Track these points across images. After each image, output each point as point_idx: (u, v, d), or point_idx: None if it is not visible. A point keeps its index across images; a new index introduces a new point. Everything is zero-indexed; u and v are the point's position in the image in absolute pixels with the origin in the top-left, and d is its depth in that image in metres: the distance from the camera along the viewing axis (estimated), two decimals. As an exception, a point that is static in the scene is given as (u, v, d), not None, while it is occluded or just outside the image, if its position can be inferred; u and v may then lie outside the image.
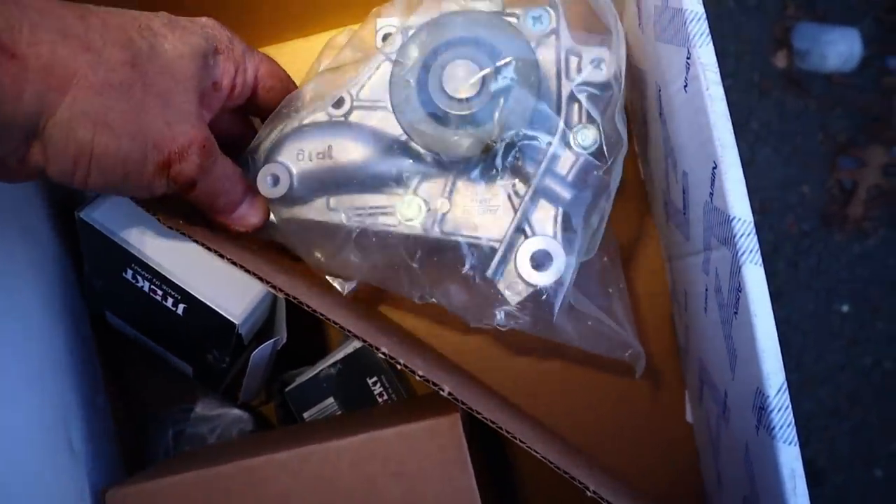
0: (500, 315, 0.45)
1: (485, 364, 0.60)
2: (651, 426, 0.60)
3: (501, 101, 0.42)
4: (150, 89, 0.37)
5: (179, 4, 0.55)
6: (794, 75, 1.04)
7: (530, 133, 0.44)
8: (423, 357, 0.46)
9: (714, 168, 0.38)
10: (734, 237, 0.37)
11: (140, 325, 0.56)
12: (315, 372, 0.57)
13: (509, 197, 0.45)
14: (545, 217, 0.45)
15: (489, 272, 0.45)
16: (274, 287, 0.43)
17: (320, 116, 0.47)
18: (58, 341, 0.52)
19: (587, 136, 0.44)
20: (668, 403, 0.60)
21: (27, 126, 0.33)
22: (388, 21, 0.48)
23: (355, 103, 0.47)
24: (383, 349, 0.41)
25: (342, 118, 0.47)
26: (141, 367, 0.62)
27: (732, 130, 0.38)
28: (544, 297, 0.44)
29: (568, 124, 0.45)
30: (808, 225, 1.02)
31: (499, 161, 0.44)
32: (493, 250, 0.45)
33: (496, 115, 0.43)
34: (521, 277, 0.44)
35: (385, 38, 0.48)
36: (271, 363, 0.57)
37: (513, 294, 0.45)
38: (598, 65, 0.45)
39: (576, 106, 0.45)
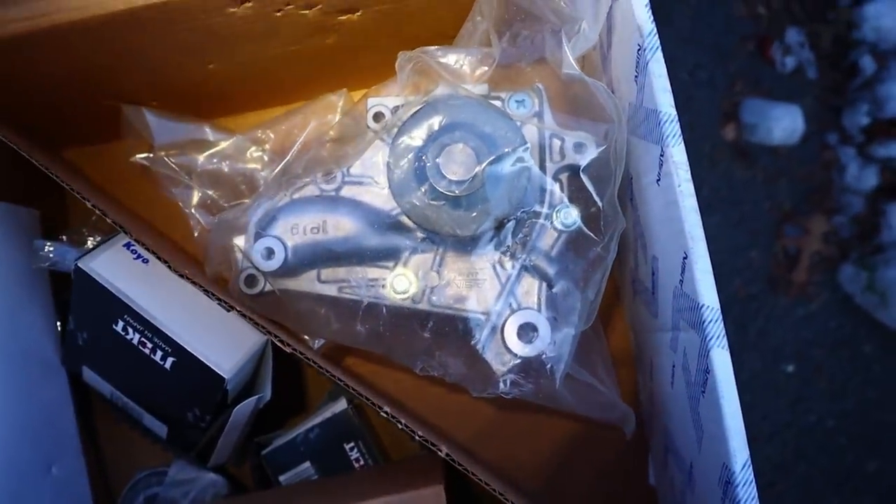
0: (504, 384, 0.47)
1: (440, 407, 0.61)
2: (613, 487, 0.62)
3: (496, 183, 0.45)
4: None
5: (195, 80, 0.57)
6: (742, 147, 1.11)
7: (522, 212, 0.46)
8: (415, 418, 0.47)
9: (685, 258, 0.42)
10: (703, 323, 0.41)
11: (120, 382, 0.55)
12: (292, 436, 0.58)
13: (494, 270, 0.48)
14: (530, 291, 0.48)
15: (478, 344, 0.47)
16: (281, 341, 0.44)
17: (311, 190, 0.49)
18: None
19: (569, 215, 0.47)
20: (631, 466, 0.62)
21: None
22: (379, 101, 0.51)
23: (346, 179, 0.49)
24: (385, 408, 0.43)
25: (333, 193, 0.49)
26: (114, 428, 0.61)
27: (701, 224, 0.42)
28: (549, 366, 0.46)
29: (552, 203, 0.48)
30: (756, 288, 1.07)
31: (509, 234, 0.46)
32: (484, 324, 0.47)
33: (491, 196, 0.45)
34: (508, 349, 0.46)
35: (376, 117, 0.50)
36: (250, 422, 0.57)
37: (499, 365, 0.47)
38: (581, 149, 0.48)
39: (559, 185, 0.48)
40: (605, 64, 0.52)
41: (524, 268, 0.47)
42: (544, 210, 0.47)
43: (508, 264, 0.47)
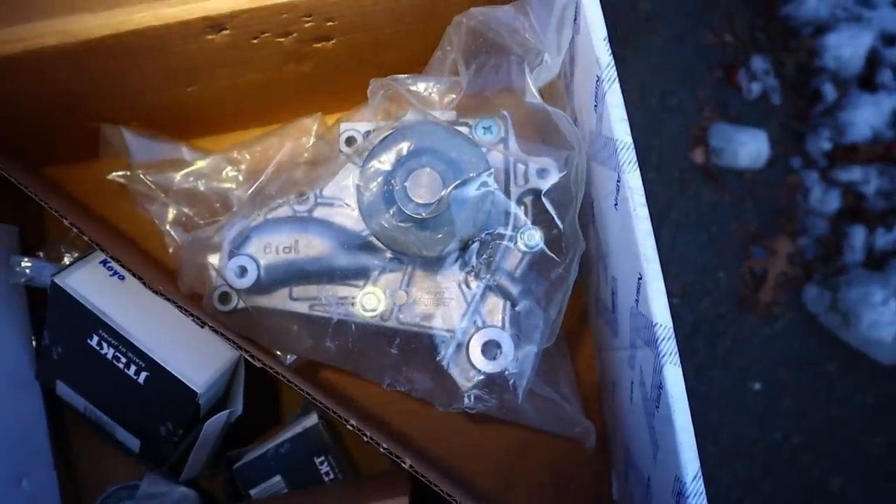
0: (469, 399, 0.49)
1: (412, 419, 0.62)
2: (578, 501, 0.64)
3: (461, 206, 0.47)
4: None
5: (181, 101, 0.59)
6: (710, 170, 1.14)
7: (487, 233, 0.48)
8: (381, 432, 0.49)
9: (639, 279, 0.44)
10: (656, 341, 0.43)
11: (94, 396, 0.56)
12: (263, 450, 0.59)
13: (460, 288, 0.50)
14: (495, 309, 0.50)
15: (444, 360, 0.48)
16: (252, 356, 0.45)
17: (285, 211, 0.51)
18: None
19: (532, 237, 0.49)
20: (595, 481, 0.64)
21: None
22: (351, 125, 0.53)
23: (319, 200, 0.51)
24: (352, 421, 0.44)
25: (306, 213, 0.51)
26: (87, 442, 0.62)
27: (655, 246, 0.44)
28: (512, 382, 0.48)
29: (516, 225, 0.50)
30: (724, 308, 1.10)
31: (473, 256, 0.48)
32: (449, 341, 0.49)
33: (456, 219, 0.47)
34: (473, 365, 0.48)
35: (348, 141, 0.52)
36: (222, 436, 0.58)
37: (464, 381, 0.49)
38: (544, 174, 0.50)
39: (523, 208, 0.50)
40: (569, 92, 0.55)
41: (489, 287, 0.49)
42: (508, 232, 0.49)
43: (474, 284, 0.49)
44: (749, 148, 1.14)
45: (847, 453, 1.07)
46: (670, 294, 1.10)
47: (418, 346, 0.49)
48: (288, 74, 0.58)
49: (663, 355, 0.42)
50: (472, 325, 0.49)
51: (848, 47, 1.16)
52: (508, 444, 0.63)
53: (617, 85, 0.46)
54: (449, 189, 0.46)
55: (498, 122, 0.52)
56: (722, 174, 1.14)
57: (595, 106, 0.48)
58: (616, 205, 0.47)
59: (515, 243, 0.49)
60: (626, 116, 0.46)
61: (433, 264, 0.49)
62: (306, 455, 0.59)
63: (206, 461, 0.59)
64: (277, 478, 0.59)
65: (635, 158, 0.45)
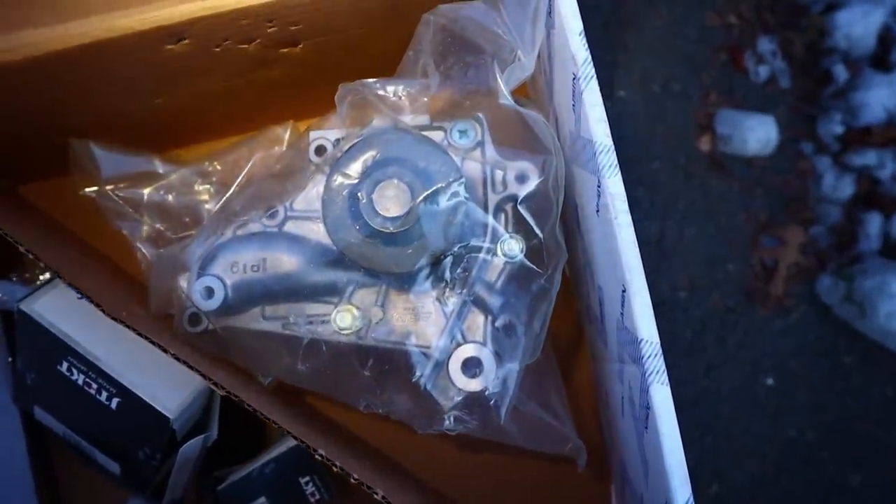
0: (449, 420, 0.46)
1: (395, 440, 0.60)
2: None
3: (432, 219, 0.44)
4: None
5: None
6: (717, 158, 1.10)
7: (461, 246, 0.46)
8: (359, 458, 0.47)
9: (623, 291, 0.41)
10: (642, 358, 0.40)
11: (71, 421, 0.55)
12: (248, 471, 0.57)
13: (439, 304, 0.47)
14: (475, 324, 0.47)
15: (423, 379, 0.46)
16: (214, 384, 0.43)
17: (254, 227, 0.48)
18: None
19: (513, 246, 0.46)
20: (595, 494, 0.61)
21: None
22: (321, 134, 0.50)
23: (289, 214, 0.48)
24: (320, 451, 0.42)
25: (276, 229, 0.48)
26: (71, 465, 0.61)
27: (639, 255, 0.41)
28: (492, 401, 0.45)
29: (495, 235, 0.47)
30: (733, 301, 1.06)
31: (447, 271, 0.46)
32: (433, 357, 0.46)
33: (427, 232, 0.44)
34: (453, 384, 0.45)
35: (318, 150, 0.50)
36: (200, 460, 0.57)
37: (445, 400, 0.46)
38: (523, 179, 0.47)
39: (502, 217, 0.48)
40: (550, 90, 0.52)
41: (468, 301, 0.47)
42: (486, 244, 0.46)
43: (452, 298, 0.47)
44: (757, 134, 1.10)
45: (865, 448, 1.03)
46: (678, 288, 1.07)
47: (395, 365, 0.46)
48: (258, 81, 0.55)
49: (650, 374, 0.40)
50: (452, 342, 0.47)
51: (859, 25, 1.11)
52: (498, 465, 0.61)
53: (594, 83, 0.43)
54: (417, 201, 0.43)
55: (474, 125, 0.49)
56: (729, 162, 1.10)
57: (573, 105, 0.45)
58: (598, 211, 0.44)
59: (494, 254, 0.47)
60: (605, 116, 0.43)
61: (407, 280, 0.46)
62: (291, 475, 0.57)
63: (188, 483, 0.58)
64: (262, 499, 0.57)
65: (616, 161, 0.42)
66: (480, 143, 0.48)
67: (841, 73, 1.12)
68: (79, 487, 0.61)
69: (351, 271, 0.47)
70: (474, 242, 0.45)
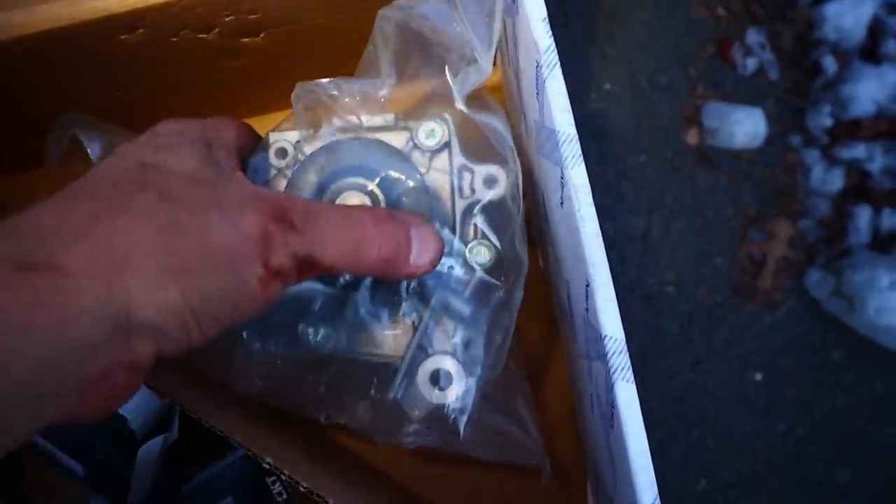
0: (409, 434, 0.45)
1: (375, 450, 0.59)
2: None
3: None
4: (189, 203, 0.31)
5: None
6: (704, 152, 1.09)
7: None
8: (311, 464, 0.45)
9: (587, 286, 0.40)
10: (606, 354, 0.39)
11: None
12: (215, 470, 0.56)
13: (408, 315, 0.45)
14: (445, 334, 0.45)
15: (392, 391, 0.44)
16: (154, 389, 0.42)
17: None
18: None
19: (483, 253, 0.44)
20: (573, 495, 0.60)
21: (112, 332, 0.27)
22: (281, 136, 0.48)
23: (251, 214, 0.47)
24: (269, 459, 0.41)
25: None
26: (39, 468, 0.59)
27: (604, 249, 0.40)
28: (452, 418, 0.44)
29: (464, 241, 0.45)
30: (721, 296, 1.05)
31: (402, 287, 0.44)
32: (397, 369, 0.45)
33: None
34: (422, 395, 0.44)
35: (279, 153, 0.48)
36: (162, 460, 0.55)
37: (414, 412, 0.45)
38: (491, 183, 0.45)
39: (471, 222, 0.45)
40: (518, 80, 0.50)
41: (437, 311, 0.45)
42: (452, 252, 0.44)
43: (419, 309, 0.45)
44: (745, 127, 1.08)
45: (855, 444, 1.02)
46: (665, 282, 1.06)
47: (355, 375, 0.45)
48: (223, 70, 0.54)
49: (614, 371, 0.38)
50: (422, 352, 0.45)
51: (849, 16, 1.10)
52: (470, 471, 0.59)
53: (558, 71, 0.41)
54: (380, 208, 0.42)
55: (441, 125, 0.46)
56: (717, 155, 1.09)
57: (537, 94, 0.43)
58: (562, 203, 0.42)
59: (465, 260, 0.45)
60: (568, 106, 0.41)
61: (378, 289, 0.45)
62: (257, 474, 0.56)
63: (153, 483, 0.57)
64: (229, 499, 0.56)
65: (580, 152, 0.41)
66: (448, 145, 0.46)
67: (830, 65, 1.10)
68: (45, 490, 0.60)
69: (318, 281, 0.46)
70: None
